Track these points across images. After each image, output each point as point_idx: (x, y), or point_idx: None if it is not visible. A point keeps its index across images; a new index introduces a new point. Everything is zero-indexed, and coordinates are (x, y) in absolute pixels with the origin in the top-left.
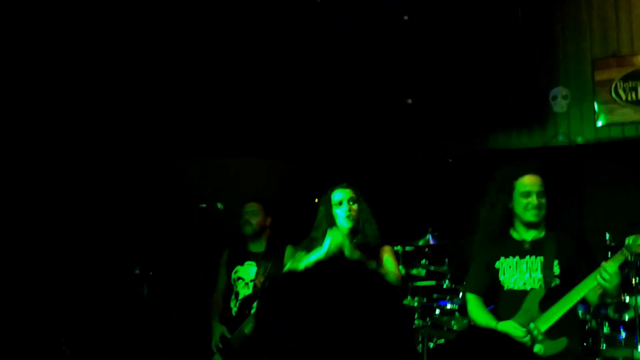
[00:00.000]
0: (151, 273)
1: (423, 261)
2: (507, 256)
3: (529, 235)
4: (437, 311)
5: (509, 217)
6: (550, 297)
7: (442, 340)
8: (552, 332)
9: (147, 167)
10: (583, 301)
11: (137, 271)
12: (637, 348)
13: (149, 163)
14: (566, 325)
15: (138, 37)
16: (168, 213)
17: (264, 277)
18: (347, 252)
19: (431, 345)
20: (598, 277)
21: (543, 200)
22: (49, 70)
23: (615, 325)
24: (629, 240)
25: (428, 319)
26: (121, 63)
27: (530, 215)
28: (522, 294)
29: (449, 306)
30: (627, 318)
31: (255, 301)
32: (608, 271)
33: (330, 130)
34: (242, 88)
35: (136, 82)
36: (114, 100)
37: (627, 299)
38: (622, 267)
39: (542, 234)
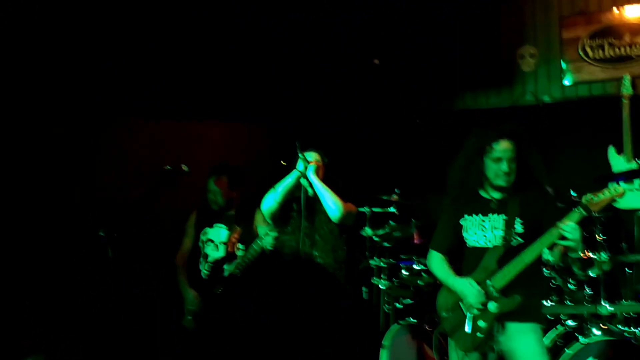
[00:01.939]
0: (115, 235)
1: (391, 222)
2: (471, 214)
3: (497, 195)
4: (404, 272)
5: (479, 178)
6: (510, 255)
7: (408, 300)
8: (509, 290)
9: (112, 129)
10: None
11: (102, 233)
12: (601, 304)
13: (114, 125)
14: (525, 283)
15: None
16: (133, 175)
17: (235, 240)
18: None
19: (398, 305)
20: (556, 232)
21: (513, 166)
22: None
23: (580, 281)
24: (585, 198)
25: (395, 280)
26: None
27: (500, 181)
28: (482, 251)
29: (415, 266)
30: (591, 274)
31: (226, 263)
32: (564, 227)
33: (298, 94)
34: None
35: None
36: (76, 60)
37: (592, 255)
38: (581, 225)
39: (509, 192)
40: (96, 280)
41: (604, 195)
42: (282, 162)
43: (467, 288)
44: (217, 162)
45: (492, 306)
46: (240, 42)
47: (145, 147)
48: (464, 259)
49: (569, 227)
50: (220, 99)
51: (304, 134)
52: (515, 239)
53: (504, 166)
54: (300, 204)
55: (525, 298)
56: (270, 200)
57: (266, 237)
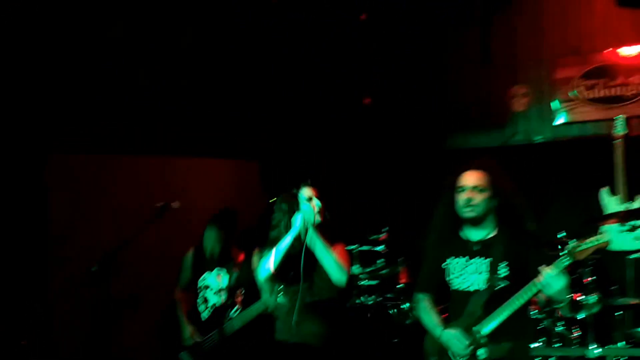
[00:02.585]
0: (108, 270)
1: (379, 261)
2: (455, 256)
3: (478, 234)
4: (394, 311)
5: (457, 217)
6: (496, 299)
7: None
8: (497, 336)
9: (106, 165)
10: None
11: (94, 269)
12: (589, 347)
13: (106, 159)
14: (513, 328)
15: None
16: (126, 211)
17: (235, 285)
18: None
19: None
20: (539, 283)
21: (477, 196)
22: None
23: (569, 324)
24: (569, 246)
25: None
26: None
27: (463, 212)
28: (467, 295)
29: (402, 305)
30: (580, 317)
31: (228, 310)
32: (547, 277)
33: (289, 130)
34: (205, 86)
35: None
36: (60, 92)
37: (581, 297)
38: (569, 271)
39: (492, 234)
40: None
41: (589, 244)
42: (269, 200)
43: (454, 341)
44: (213, 203)
45: (481, 354)
46: (227, 77)
47: (136, 183)
48: (450, 302)
49: (550, 277)
50: (211, 135)
51: (295, 172)
52: (499, 283)
53: (465, 195)
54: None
55: (513, 344)
56: (266, 270)
57: (272, 295)
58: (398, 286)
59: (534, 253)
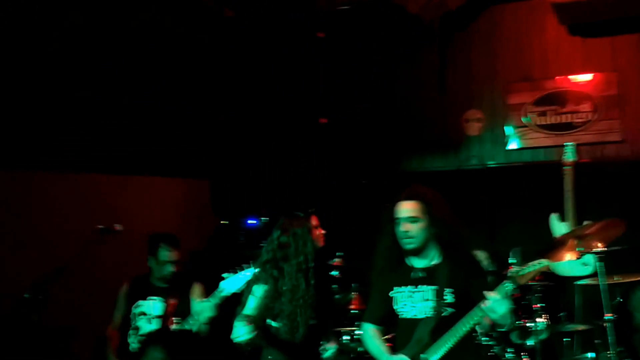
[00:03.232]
0: (41, 297)
1: (332, 286)
2: (400, 285)
3: (422, 262)
4: (345, 337)
5: (400, 247)
6: (442, 326)
7: None
8: None
9: (42, 182)
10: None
11: (27, 295)
12: None
13: (49, 178)
14: (461, 353)
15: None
16: (63, 233)
17: (172, 314)
18: None
19: None
20: (483, 308)
21: (413, 227)
22: None
23: (518, 350)
24: (511, 271)
25: (335, 345)
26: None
27: (404, 244)
28: (414, 322)
29: (357, 332)
30: (529, 343)
31: (161, 337)
32: (491, 302)
33: (240, 150)
34: (153, 102)
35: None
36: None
37: (529, 323)
38: (519, 297)
39: (435, 261)
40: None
41: (530, 268)
42: (221, 221)
43: None
44: (153, 222)
45: None
46: (175, 92)
47: (76, 202)
48: (397, 331)
49: (494, 302)
50: (154, 155)
51: (245, 192)
52: (446, 309)
53: (401, 227)
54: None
55: None
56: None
57: (202, 314)
58: (351, 312)
59: (476, 278)
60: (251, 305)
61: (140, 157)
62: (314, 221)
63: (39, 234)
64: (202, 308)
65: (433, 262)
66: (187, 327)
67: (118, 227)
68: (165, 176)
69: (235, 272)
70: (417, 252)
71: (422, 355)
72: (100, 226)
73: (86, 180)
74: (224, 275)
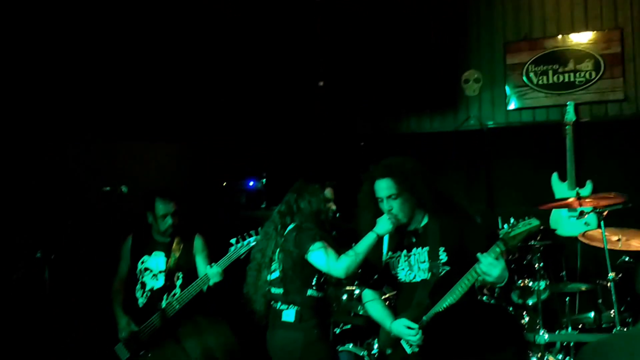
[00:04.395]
0: (53, 257)
1: None
2: (395, 251)
3: (410, 226)
4: (344, 296)
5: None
6: (440, 285)
7: (349, 326)
8: (445, 317)
9: (49, 149)
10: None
11: (39, 255)
12: (539, 333)
13: (51, 145)
14: (458, 314)
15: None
16: (71, 196)
17: (175, 269)
18: None
19: (337, 330)
20: (477, 270)
21: (395, 203)
22: None
23: (519, 309)
24: (502, 232)
25: (335, 305)
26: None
27: (390, 221)
28: (413, 286)
29: (356, 291)
30: (530, 303)
31: (166, 293)
32: (483, 266)
33: (240, 115)
34: (149, 70)
35: (41, 61)
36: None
37: (530, 283)
38: (519, 257)
39: (424, 222)
40: (31, 303)
41: (519, 229)
42: (223, 183)
43: (404, 330)
44: (155, 184)
45: None
46: (178, 61)
47: (83, 167)
48: (398, 294)
49: (486, 264)
50: (157, 119)
51: (245, 155)
52: (442, 268)
53: (384, 206)
54: None
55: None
56: (353, 266)
57: (211, 270)
58: None
59: (468, 230)
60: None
61: (139, 122)
62: (329, 193)
63: (52, 197)
64: (211, 274)
65: (422, 224)
66: (194, 286)
67: (123, 189)
68: (164, 141)
69: (243, 239)
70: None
71: (424, 318)
72: (106, 188)
73: (94, 146)
74: (232, 241)
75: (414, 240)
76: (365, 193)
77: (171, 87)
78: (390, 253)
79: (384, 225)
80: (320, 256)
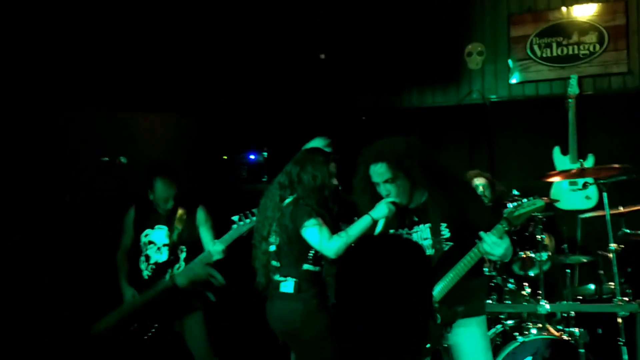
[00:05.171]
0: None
1: None
2: (397, 230)
3: (412, 204)
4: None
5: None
6: (444, 261)
7: None
8: (449, 299)
9: (46, 119)
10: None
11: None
12: (540, 304)
13: (48, 114)
14: (465, 290)
15: None
16: (69, 166)
17: (178, 242)
18: None
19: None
20: (481, 249)
21: (392, 187)
22: None
23: (520, 281)
24: (506, 211)
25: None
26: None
27: (391, 206)
28: None
29: None
30: (532, 274)
31: (170, 267)
32: (487, 243)
33: (240, 86)
34: (150, 40)
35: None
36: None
37: (532, 255)
38: (521, 228)
39: (424, 197)
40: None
41: (524, 209)
42: (223, 157)
43: None
44: (156, 157)
45: (436, 319)
46: (179, 32)
47: (81, 138)
48: None
49: (488, 244)
50: (157, 89)
51: (246, 127)
52: (445, 244)
53: (383, 190)
54: None
55: (466, 306)
56: (344, 247)
57: (214, 248)
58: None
59: (470, 204)
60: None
61: (138, 91)
62: (332, 168)
63: (49, 167)
64: (214, 252)
65: (422, 200)
66: (198, 262)
67: (122, 160)
68: (164, 111)
69: (246, 217)
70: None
71: None
72: (105, 159)
73: (92, 116)
74: (234, 218)
75: (415, 218)
76: (361, 177)
77: (173, 57)
78: (391, 231)
79: (381, 209)
80: (314, 233)
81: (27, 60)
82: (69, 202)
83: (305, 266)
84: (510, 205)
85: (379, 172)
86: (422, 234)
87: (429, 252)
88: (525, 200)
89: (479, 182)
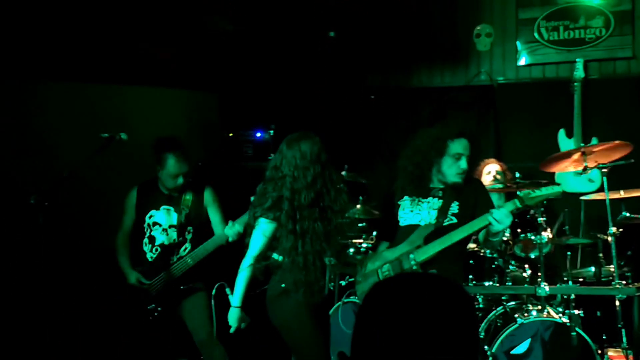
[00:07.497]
0: (46, 203)
1: None
2: (411, 195)
3: (439, 186)
4: (351, 250)
5: (430, 172)
6: (439, 233)
7: (353, 278)
8: (430, 265)
9: (49, 92)
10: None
11: (32, 201)
12: (540, 286)
13: (47, 88)
14: (446, 259)
15: None
16: (69, 141)
17: (185, 223)
18: None
19: (343, 283)
20: (489, 217)
21: (468, 166)
22: None
23: (521, 263)
24: (523, 192)
25: (336, 258)
26: None
27: (456, 177)
28: (413, 228)
29: (363, 245)
30: (532, 256)
31: (178, 248)
32: (500, 211)
33: (248, 64)
34: (158, 13)
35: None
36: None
37: (532, 237)
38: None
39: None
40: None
41: (541, 193)
42: (229, 134)
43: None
44: (159, 133)
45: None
46: (188, 9)
47: (82, 112)
48: (397, 236)
49: (501, 213)
50: (164, 65)
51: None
52: (450, 218)
53: (464, 163)
54: None
55: (438, 269)
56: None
57: (231, 230)
58: (359, 225)
59: (482, 200)
60: None
61: (148, 67)
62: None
63: (45, 143)
64: (230, 234)
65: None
66: (210, 243)
67: (123, 136)
68: (173, 87)
69: None
70: None
71: (411, 255)
72: (104, 135)
73: (93, 90)
74: (253, 199)
75: (434, 193)
76: (434, 139)
77: (179, 32)
78: (406, 197)
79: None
80: (257, 236)
81: (33, 30)
82: (67, 177)
83: (275, 255)
84: (526, 189)
85: (466, 145)
86: (432, 205)
87: (430, 221)
88: (543, 186)
89: (494, 167)
